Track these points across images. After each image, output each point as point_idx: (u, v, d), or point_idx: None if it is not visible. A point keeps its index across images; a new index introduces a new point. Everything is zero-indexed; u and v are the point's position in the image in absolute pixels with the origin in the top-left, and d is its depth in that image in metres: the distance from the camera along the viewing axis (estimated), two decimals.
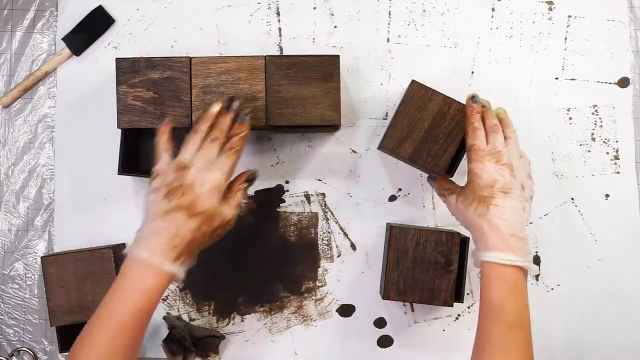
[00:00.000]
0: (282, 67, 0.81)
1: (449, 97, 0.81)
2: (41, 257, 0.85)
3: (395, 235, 0.82)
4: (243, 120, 0.75)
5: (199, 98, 0.81)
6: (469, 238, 0.83)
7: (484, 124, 0.76)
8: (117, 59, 0.81)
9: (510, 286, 0.69)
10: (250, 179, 0.76)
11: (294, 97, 0.81)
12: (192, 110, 0.81)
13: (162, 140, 0.74)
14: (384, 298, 0.83)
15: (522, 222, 0.71)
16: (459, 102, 0.81)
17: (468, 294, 0.89)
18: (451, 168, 0.82)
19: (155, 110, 0.81)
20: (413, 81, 0.81)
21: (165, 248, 0.68)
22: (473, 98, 0.77)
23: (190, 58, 0.81)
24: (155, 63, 0.81)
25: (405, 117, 0.81)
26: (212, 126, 0.74)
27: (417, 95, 0.81)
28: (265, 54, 0.82)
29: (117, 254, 0.85)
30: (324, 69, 0.81)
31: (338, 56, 0.82)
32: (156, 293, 0.68)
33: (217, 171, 0.71)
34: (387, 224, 0.88)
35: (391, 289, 0.82)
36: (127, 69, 0.81)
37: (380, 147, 0.84)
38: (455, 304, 0.82)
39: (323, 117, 0.81)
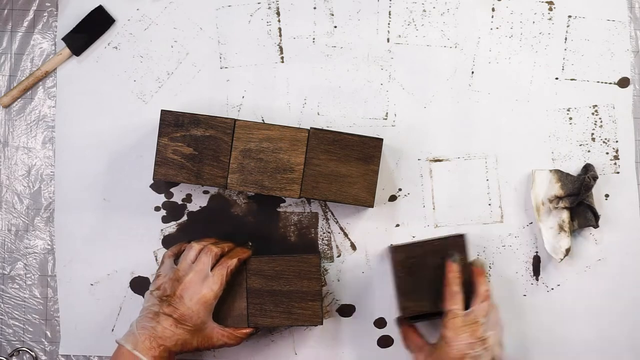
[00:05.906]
0: (324, 141, 0.81)
1: (427, 241, 0.80)
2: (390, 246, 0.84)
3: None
4: (249, 248, 0.81)
5: (237, 161, 0.81)
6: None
7: (475, 289, 0.74)
8: (162, 111, 0.81)
9: None
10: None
11: (331, 173, 0.80)
12: (229, 172, 0.81)
13: (170, 250, 0.82)
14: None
15: None
16: (438, 239, 0.80)
17: None
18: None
19: (192, 167, 0.81)
20: (392, 247, 0.81)
21: (148, 345, 0.74)
22: (453, 257, 0.76)
23: (235, 120, 0.81)
24: (199, 120, 0.81)
25: (407, 283, 0.80)
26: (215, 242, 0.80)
27: (402, 260, 0.80)
28: (309, 127, 0.82)
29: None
30: (365, 150, 0.81)
31: (382, 140, 0.82)
32: None
33: (207, 288, 0.75)
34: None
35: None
36: (170, 122, 0.81)
37: (401, 316, 0.82)
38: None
39: (357, 198, 0.82)
